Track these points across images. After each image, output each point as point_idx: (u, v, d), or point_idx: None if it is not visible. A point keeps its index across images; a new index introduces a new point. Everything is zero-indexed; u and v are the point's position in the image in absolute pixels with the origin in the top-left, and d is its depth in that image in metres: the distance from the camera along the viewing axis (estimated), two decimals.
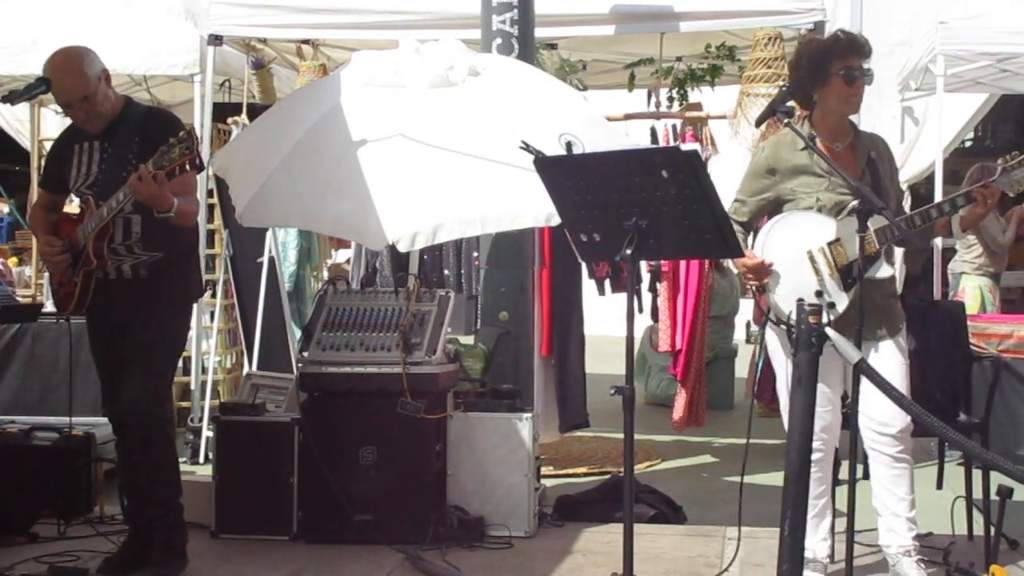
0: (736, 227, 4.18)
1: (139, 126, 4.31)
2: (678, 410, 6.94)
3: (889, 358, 4.06)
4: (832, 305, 3.95)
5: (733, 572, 4.36)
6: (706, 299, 6.99)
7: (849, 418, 3.94)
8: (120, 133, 4.31)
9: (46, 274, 7.87)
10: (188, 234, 4.43)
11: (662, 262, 6.70)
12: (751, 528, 4.48)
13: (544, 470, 5.92)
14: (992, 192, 3.89)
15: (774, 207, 4.22)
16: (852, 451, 3.96)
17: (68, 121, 4.48)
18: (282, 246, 8.14)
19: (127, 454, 4.37)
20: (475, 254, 7.06)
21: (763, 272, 4.08)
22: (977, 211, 3.97)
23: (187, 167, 4.04)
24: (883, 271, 4.05)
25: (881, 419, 3.99)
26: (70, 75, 4.24)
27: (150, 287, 4.30)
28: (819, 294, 3.94)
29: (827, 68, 4.05)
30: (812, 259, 4.05)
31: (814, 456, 4.06)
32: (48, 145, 9.17)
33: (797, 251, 4.07)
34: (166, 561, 4.26)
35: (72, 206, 4.57)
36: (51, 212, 4.52)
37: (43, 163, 4.74)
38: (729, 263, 9.10)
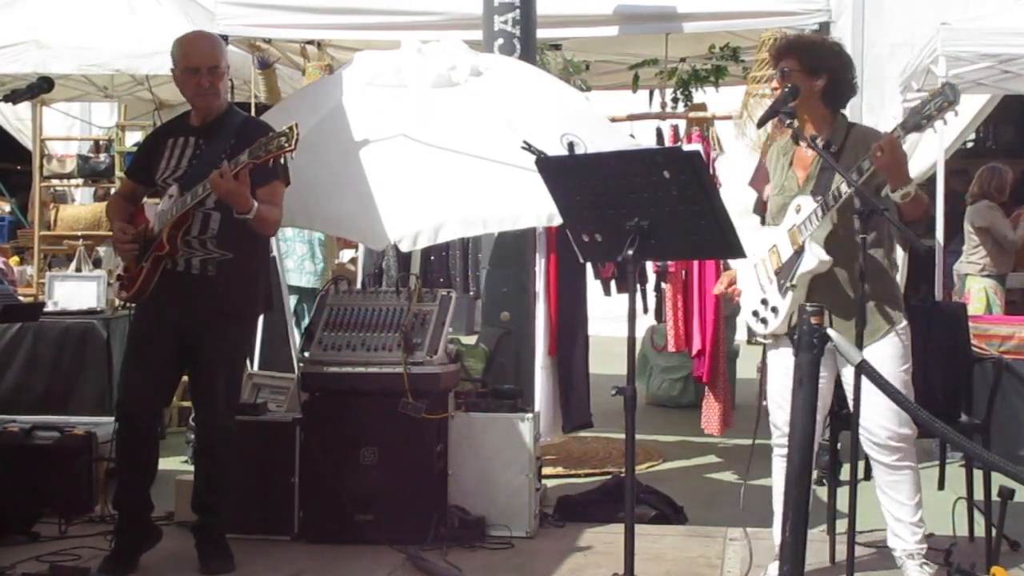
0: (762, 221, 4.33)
1: (237, 130, 4.38)
2: (712, 416, 6.78)
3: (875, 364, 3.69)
4: (775, 310, 4.01)
5: (733, 572, 4.36)
6: (723, 299, 6.91)
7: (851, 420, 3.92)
8: (217, 132, 4.38)
9: (48, 273, 7.88)
10: (263, 242, 4.50)
11: (670, 262, 6.67)
12: (753, 529, 4.48)
13: (548, 470, 5.92)
14: (885, 144, 3.67)
15: None
16: (853, 452, 3.95)
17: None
18: (308, 244, 8.16)
19: (204, 465, 4.45)
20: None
21: (731, 293, 4.23)
22: (882, 163, 3.69)
23: (282, 160, 4.14)
24: (807, 265, 3.91)
25: (871, 429, 3.97)
26: (208, 42, 4.44)
27: (221, 298, 4.33)
28: (764, 302, 4.04)
29: None
30: (756, 270, 4.12)
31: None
32: (50, 144, 9.23)
33: (747, 265, 4.14)
34: (228, 555, 4.42)
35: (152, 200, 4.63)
36: (130, 202, 4.58)
37: (134, 152, 4.77)
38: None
